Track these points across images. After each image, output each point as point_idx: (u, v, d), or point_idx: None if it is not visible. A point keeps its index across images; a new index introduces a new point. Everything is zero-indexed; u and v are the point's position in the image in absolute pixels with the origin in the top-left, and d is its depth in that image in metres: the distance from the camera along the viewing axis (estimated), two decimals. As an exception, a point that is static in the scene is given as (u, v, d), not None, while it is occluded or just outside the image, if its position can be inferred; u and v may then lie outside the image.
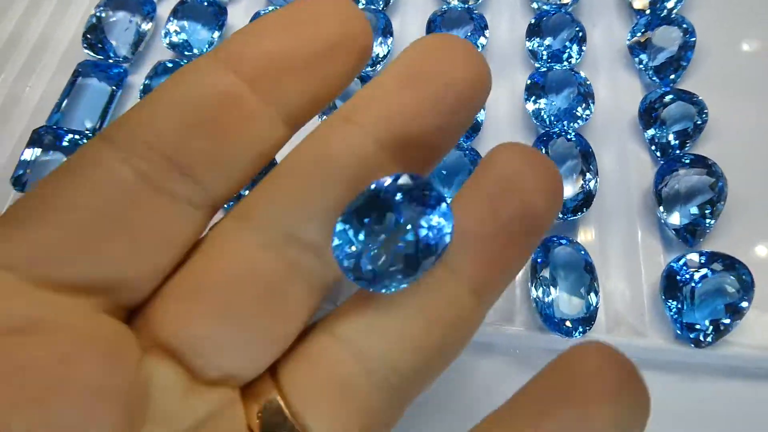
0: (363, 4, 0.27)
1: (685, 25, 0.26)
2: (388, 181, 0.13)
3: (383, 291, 0.13)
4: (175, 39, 0.26)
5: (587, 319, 0.20)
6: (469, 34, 0.26)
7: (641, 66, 0.26)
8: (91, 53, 0.26)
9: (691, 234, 0.22)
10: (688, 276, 0.20)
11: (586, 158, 0.22)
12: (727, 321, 0.20)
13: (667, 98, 0.24)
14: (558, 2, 0.27)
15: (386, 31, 0.26)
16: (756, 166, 0.24)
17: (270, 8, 0.27)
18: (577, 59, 0.26)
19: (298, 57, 0.13)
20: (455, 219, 0.13)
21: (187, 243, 0.14)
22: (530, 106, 0.24)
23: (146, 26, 0.27)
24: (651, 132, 0.24)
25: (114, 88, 0.25)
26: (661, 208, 0.22)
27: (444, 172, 0.22)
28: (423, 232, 0.13)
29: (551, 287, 0.20)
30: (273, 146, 0.14)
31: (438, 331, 0.14)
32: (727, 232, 0.22)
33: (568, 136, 0.23)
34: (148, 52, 0.27)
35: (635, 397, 0.11)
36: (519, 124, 0.25)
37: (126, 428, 0.12)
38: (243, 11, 0.28)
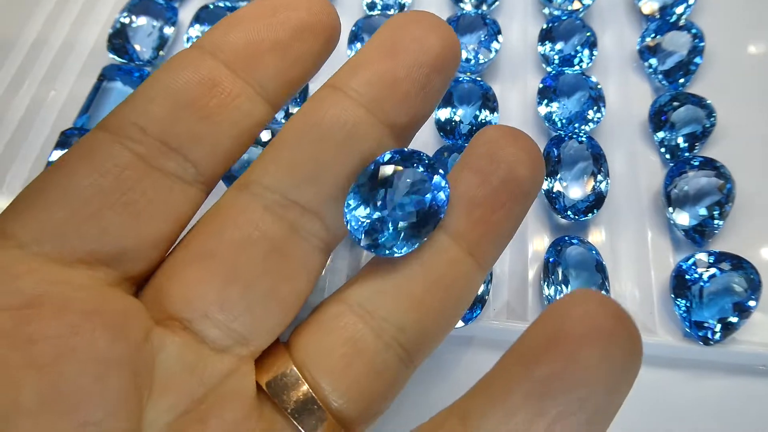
0: (379, 10, 0.28)
1: (694, 30, 0.26)
2: (387, 156, 0.15)
3: (391, 254, 0.15)
4: (196, 43, 0.27)
5: (598, 317, 0.20)
6: (483, 38, 0.26)
7: (651, 70, 0.26)
8: (117, 57, 0.26)
9: (699, 234, 0.22)
10: (697, 275, 0.21)
11: (597, 160, 0.23)
12: (735, 319, 0.20)
13: (677, 102, 0.24)
14: (569, 8, 0.28)
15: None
16: (764, 168, 0.24)
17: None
18: (588, 63, 0.26)
19: (271, 41, 0.15)
20: (450, 188, 0.15)
21: (184, 217, 0.15)
22: (542, 110, 0.25)
23: (168, 31, 0.27)
24: (660, 135, 0.24)
25: (137, 91, 0.26)
26: (671, 209, 0.22)
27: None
28: (423, 200, 0.15)
29: (563, 285, 0.21)
30: (256, 124, 0.15)
31: (440, 292, 0.15)
32: (736, 233, 0.23)
33: (580, 139, 0.23)
34: (171, 56, 0.28)
35: (625, 337, 0.12)
36: (531, 127, 0.26)
37: (132, 395, 0.13)
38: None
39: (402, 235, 0.15)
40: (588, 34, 0.27)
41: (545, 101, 0.25)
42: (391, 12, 0.28)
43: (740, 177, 0.23)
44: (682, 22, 0.27)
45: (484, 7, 0.28)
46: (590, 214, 0.22)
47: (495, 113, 0.25)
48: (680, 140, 0.24)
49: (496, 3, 0.28)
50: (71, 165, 0.14)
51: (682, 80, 0.26)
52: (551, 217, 0.23)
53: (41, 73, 0.27)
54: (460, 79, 0.25)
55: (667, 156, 0.24)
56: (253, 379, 0.14)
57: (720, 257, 0.21)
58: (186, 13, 0.29)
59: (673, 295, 0.21)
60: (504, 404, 0.12)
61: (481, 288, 0.20)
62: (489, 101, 0.25)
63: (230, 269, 0.14)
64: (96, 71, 0.26)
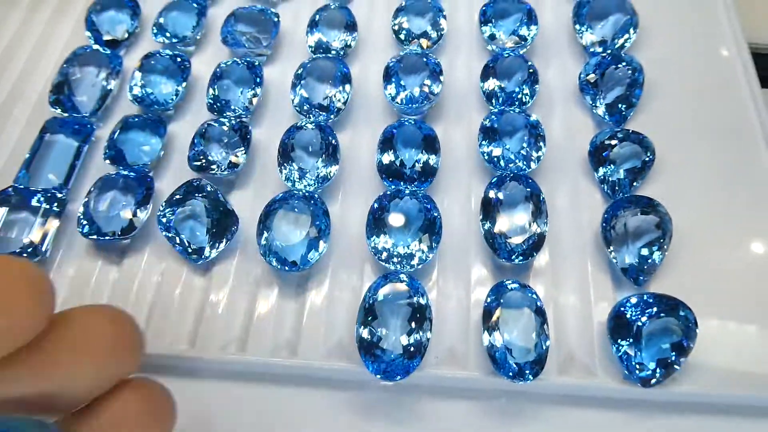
0: (322, 52, 0.28)
1: (634, 64, 0.27)
2: None
3: None
4: (139, 93, 0.27)
5: (538, 362, 0.20)
6: (425, 80, 0.27)
7: (592, 104, 0.26)
8: (58, 111, 0.26)
9: (639, 273, 0.22)
10: (634, 317, 0.21)
11: (537, 202, 0.23)
12: (674, 360, 0.20)
13: (616, 138, 0.25)
14: (511, 44, 0.28)
15: (345, 79, 0.27)
16: (702, 202, 0.24)
17: (233, 60, 0.28)
18: (529, 101, 0.26)
19: None
20: None
21: None
22: (484, 150, 0.25)
23: (113, 81, 0.27)
24: (601, 171, 0.25)
25: (81, 143, 0.26)
26: (610, 249, 0.22)
27: (403, 220, 0.23)
28: None
29: (502, 332, 0.21)
30: None
31: None
32: (675, 269, 0.23)
33: (520, 180, 0.23)
34: (116, 106, 0.28)
35: (126, 347, 0.15)
36: (474, 167, 0.26)
37: None
38: (207, 63, 0.29)
39: None
40: (530, 70, 0.27)
41: (486, 141, 0.25)
42: (333, 55, 0.28)
43: (679, 211, 0.23)
44: (622, 56, 0.27)
45: (425, 43, 0.28)
46: (531, 257, 0.22)
47: (437, 155, 0.25)
48: (621, 175, 0.24)
49: (440, 41, 0.28)
50: None
51: (623, 113, 0.26)
52: (493, 260, 0.23)
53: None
54: (404, 121, 0.25)
55: (609, 193, 0.24)
56: None
57: (656, 299, 0.21)
58: (132, 61, 0.28)
59: (611, 338, 0.21)
60: None
61: (420, 335, 0.20)
62: (431, 143, 0.25)
63: None
64: (42, 122, 0.26)
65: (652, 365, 0.20)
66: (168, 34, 0.29)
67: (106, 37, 0.29)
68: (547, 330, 0.21)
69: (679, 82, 0.28)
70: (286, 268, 0.22)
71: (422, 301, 0.21)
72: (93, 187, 0.24)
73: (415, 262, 0.22)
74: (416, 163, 0.25)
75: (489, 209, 0.23)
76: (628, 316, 0.21)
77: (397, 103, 0.26)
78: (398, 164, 0.25)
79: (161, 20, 0.29)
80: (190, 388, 0.21)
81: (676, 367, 0.20)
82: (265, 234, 0.23)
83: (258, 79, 0.27)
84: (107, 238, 0.23)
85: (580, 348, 0.22)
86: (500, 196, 0.23)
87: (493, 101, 0.27)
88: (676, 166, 0.25)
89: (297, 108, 0.26)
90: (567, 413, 0.21)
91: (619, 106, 0.26)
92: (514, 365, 0.20)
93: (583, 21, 0.29)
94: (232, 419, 0.21)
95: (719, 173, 0.25)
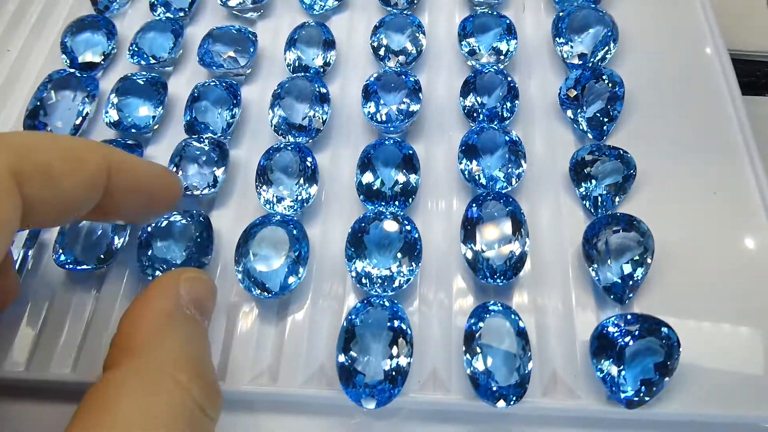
0: (300, 70, 0.28)
1: (614, 78, 0.27)
2: None
3: None
4: (115, 116, 0.27)
5: (520, 385, 0.20)
6: (404, 98, 0.26)
7: (573, 119, 0.26)
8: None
9: (621, 291, 0.22)
10: (617, 337, 0.21)
11: (517, 221, 0.23)
12: (657, 380, 0.20)
13: (596, 154, 0.25)
14: (491, 60, 0.28)
15: (323, 99, 0.27)
16: (683, 218, 0.24)
17: (210, 81, 0.27)
18: (509, 116, 0.26)
19: None
20: None
21: None
22: (463, 167, 0.25)
23: (88, 105, 0.27)
24: (582, 187, 0.24)
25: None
26: (592, 267, 0.22)
27: (383, 242, 0.23)
28: None
29: (484, 355, 0.20)
30: None
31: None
32: (657, 286, 0.23)
33: (500, 200, 0.23)
34: (93, 129, 0.28)
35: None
36: (455, 185, 0.25)
37: None
38: (185, 84, 0.28)
39: None
40: (510, 86, 0.27)
41: (466, 159, 0.25)
42: (311, 75, 0.28)
43: (662, 226, 0.23)
44: (602, 70, 0.27)
45: (400, 58, 0.28)
46: (512, 278, 0.22)
47: (417, 174, 0.24)
48: (603, 191, 0.24)
49: (419, 57, 0.28)
50: None
51: (604, 128, 0.26)
52: (475, 280, 0.23)
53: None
54: (383, 140, 0.25)
55: (591, 209, 0.24)
56: None
57: (639, 318, 0.21)
58: (108, 84, 0.28)
59: (594, 359, 0.21)
60: None
61: (402, 360, 0.20)
62: (411, 162, 0.25)
63: None
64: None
65: (635, 386, 0.20)
66: (145, 55, 0.29)
67: (81, 60, 0.29)
68: (529, 352, 0.21)
69: (660, 94, 0.27)
70: (266, 294, 0.22)
71: (403, 326, 0.21)
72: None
73: (395, 284, 0.22)
74: (396, 184, 0.24)
75: (469, 230, 0.23)
76: (610, 336, 0.21)
77: (377, 121, 0.26)
78: (378, 184, 0.24)
79: (138, 41, 0.29)
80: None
81: (659, 387, 0.20)
82: (243, 261, 0.22)
83: (236, 100, 0.27)
84: (84, 267, 0.23)
85: (563, 369, 0.21)
86: (481, 215, 0.23)
87: (474, 117, 0.26)
88: (659, 179, 0.25)
89: (275, 128, 0.26)
90: (551, 436, 0.21)
91: (600, 119, 0.26)
92: (496, 389, 0.20)
93: (563, 34, 0.28)
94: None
95: (702, 186, 0.25)
